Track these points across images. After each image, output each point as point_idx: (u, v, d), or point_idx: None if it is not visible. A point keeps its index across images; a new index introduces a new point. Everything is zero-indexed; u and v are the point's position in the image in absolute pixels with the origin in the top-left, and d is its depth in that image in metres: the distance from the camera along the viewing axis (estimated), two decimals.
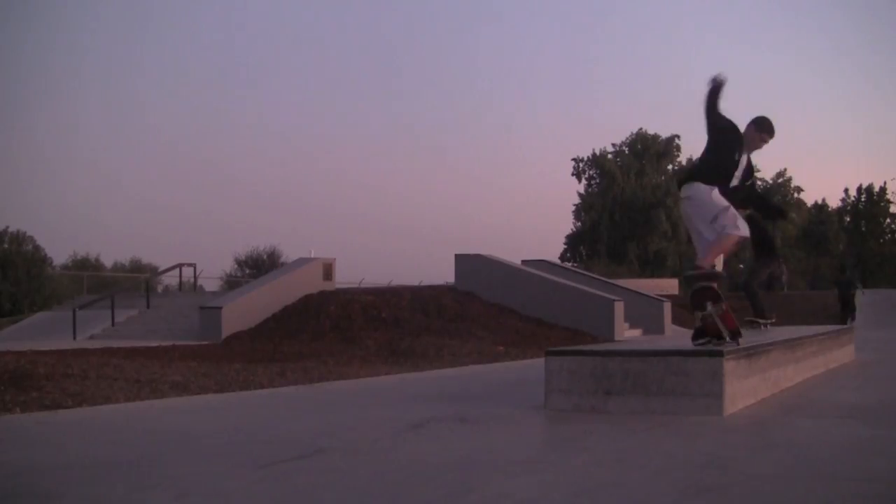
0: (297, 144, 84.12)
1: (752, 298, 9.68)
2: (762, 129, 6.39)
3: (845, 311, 23.65)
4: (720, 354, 5.21)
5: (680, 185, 6.26)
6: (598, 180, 61.80)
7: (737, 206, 6.05)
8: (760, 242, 9.76)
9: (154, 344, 13.85)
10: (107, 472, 3.76)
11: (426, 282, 23.64)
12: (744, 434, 4.65)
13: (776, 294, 21.19)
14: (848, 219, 56.77)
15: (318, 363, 10.79)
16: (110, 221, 75.06)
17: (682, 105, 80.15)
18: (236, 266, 42.82)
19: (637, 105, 79.38)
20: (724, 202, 5.89)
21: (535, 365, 8.02)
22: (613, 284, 21.45)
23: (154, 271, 37.33)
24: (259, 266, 40.37)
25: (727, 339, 5.65)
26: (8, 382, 7.19)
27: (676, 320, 20.89)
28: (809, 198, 62.56)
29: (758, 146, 6.44)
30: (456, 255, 19.62)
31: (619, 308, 17.46)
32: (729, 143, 6.08)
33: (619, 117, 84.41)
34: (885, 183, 55.56)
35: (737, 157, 6.12)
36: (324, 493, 3.28)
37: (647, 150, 62.05)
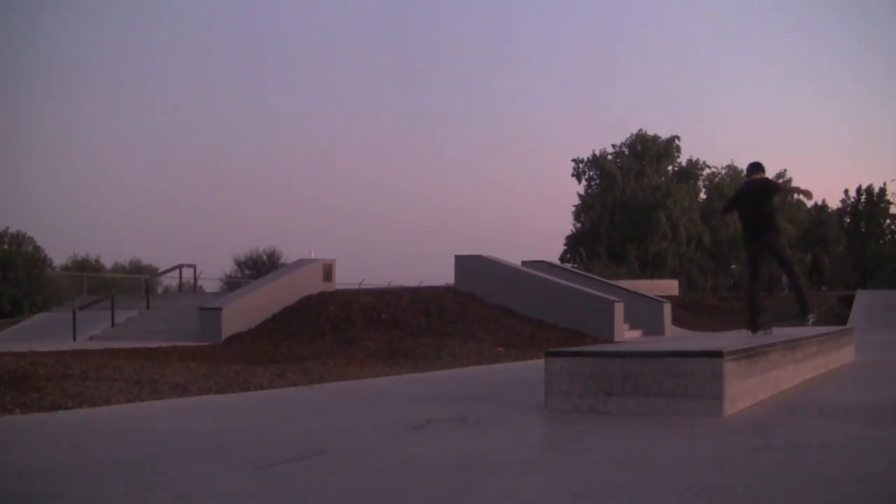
0: (297, 145, 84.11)
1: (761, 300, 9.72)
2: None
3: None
4: (720, 355, 5.21)
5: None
6: (597, 181, 61.72)
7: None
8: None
9: (154, 345, 13.84)
10: (107, 472, 3.77)
11: (426, 282, 23.68)
12: (744, 435, 4.65)
13: (774, 296, 21.24)
14: (848, 220, 56.65)
15: (318, 364, 10.79)
16: (110, 222, 74.80)
17: (682, 106, 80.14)
18: (236, 267, 42.77)
19: (637, 106, 79.25)
20: None
21: (535, 366, 8.02)
22: (613, 285, 21.42)
23: (154, 272, 37.29)
24: (259, 267, 40.30)
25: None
26: (8, 383, 7.19)
27: (676, 321, 20.89)
28: None
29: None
30: (456, 256, 19.62)
31: (619, 309, 17.45)
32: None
33: (618, 118, 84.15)
34: (884, 184, 55.31)
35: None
36: (324, 494, 3.28)
37: (647, 151, 61.97)
